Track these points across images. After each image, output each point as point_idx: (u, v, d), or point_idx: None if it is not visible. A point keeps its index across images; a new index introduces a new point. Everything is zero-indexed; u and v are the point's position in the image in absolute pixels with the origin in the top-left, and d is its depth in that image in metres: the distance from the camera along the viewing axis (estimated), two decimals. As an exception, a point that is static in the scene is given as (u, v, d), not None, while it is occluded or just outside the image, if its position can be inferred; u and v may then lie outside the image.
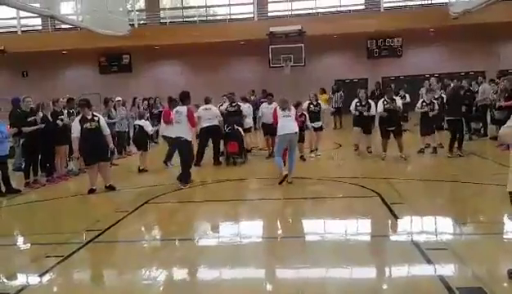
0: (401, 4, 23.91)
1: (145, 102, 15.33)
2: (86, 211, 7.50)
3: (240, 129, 10.98)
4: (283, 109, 8.29)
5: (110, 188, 8.49)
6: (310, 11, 24.10)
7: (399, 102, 10.63)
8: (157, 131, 13.25)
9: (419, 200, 7.14)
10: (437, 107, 10.83)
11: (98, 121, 8.41)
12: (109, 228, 6.17)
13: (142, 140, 10.57)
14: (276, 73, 21.41)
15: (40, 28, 24.95)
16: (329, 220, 6.42)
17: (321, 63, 23.55)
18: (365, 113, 10.98)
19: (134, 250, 5.54)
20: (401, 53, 23.89)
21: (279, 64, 21.46)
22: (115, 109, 12.55)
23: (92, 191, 8.32)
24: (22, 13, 22.35)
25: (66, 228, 6.44)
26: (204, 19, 25.27)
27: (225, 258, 4.98)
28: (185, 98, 8.74)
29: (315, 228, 6.16)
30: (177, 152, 9.25)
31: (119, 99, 13.27)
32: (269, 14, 24.10)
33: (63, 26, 23.24)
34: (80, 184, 9.38)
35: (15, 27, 24.30)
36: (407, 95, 15.03)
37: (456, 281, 4.05)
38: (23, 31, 24.42)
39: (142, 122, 10.60)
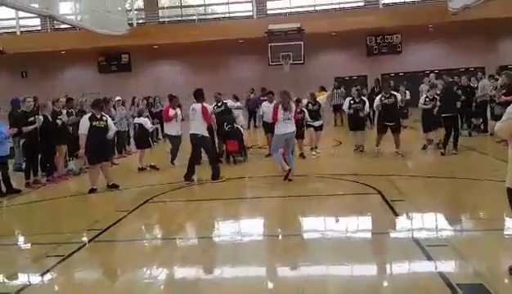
0: (399, 0, 23.86)
1: (145, 101, 15.30)
2: (86, 211, 7.50)
3: (240, 127, 10.98)
4: (285, 109, 8.19)
5: (113, 186, 8.50)
6: (309, 9, 24.08)
7: (399, 97, 10.61)
8: (157, 129, 13.27)
9: (420, 197, 7.13)
10: (438, 103, 10.81)
11: (106, 120, 8.52)
12: (109, 227, 6.17)
13: (143, 138, 10.54)
14: (276, 72, 21.40)
15: (39, 28, 24.94)
16: (329, 218, 6.43)
17: (320, 60, 23.54)
18: (360, 114, 10.98)
19: (135, 249, 5.54)
20: (400, 50, 23.89)
21: (278, 63, 21.45)
22: (115, 109, 12.55)
23: (92, 190, 8.33)
24: (21, 13, 22.34)
25: (67, 227, 6.43)
26: (203, 17, 25.25)
27: (225, 256, 4.99)
28: (199, 95, 8.83)
29: (315, 225, 6.15)
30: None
31: (119, 98, 13.27)
32: (268, 12, 24.10)
33: (62, 26, 23.24)
34: (80, 184, 9.39)
35: (14, 27, 24.32)
36: (407, 92, 15.00)
37: (457, 277, 4.04)
38: (22, 31, 24.43)
39: (141, 120, 10.57)
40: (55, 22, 22.48)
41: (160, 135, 15.99)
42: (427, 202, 6.85)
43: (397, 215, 6.06)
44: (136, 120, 10.80)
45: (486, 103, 12.55)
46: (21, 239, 6.46)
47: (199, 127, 8.62)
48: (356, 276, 4.42)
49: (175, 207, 7.55)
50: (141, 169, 10.25)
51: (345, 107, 11.47)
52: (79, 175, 10.29)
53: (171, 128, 10.53)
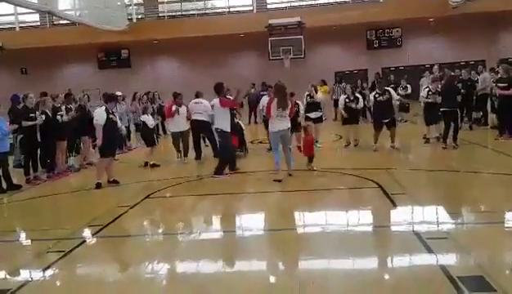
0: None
1: (145, 97, 15.29)
2: (87, 207, 7.50)
3: (241, 123, 10.96)
4: (279, 107, 7.89)
5: (114, 182, 8.50)
6: (309, 3, 23.99)
7: (394, 93, 10.56)
8: (157, 125, 13.27)
9: (420, 190, 7.13)
10: (439, 97, 10.78)
11: (115, 116, 8.69)
12: (110, 223, 6.18)
13: (148, 136, 10.50)
14: (276, 66, 21.35)
15: (38, 24, 24.88)
16: (330, 212, 6.42)
17: (320, 55, 23.49)
18: (353, 106, 10.93)
19: (136, 244, 5.56)
20: (400, 43, 23.82)
21: (278, 57, 21.39)
22: (115, 105, 12.52)
23: (99, 185, 8.29)
24: (20, 9, 22.29)
25: (67, 223, 6.44)
26: (203, 12, 25.18)
27: (227, 251, 5.00)
28: (219, 90, 8.91)
29: (316, 219, 6.15)
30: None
31: (119, 94, 13.24)
32: (268, 6, 24.01)
33: (61, 22, 23.19)
34: (81, 180, 9.40)
35: (13, 23, 24.25)
36: (409, 86, 14.96)
37: (457, 270, 4.04)
38: (21, 27, 24.37)
39: (144, 118, 10.58)
40: (54, 18, 22.42)
41: (161, 131, 16.00)
42: (427, 195, 6.85)
43: (397, 208, 6.06)
44: (142, 117, 10.85)
45: (486, 96, 12.52)
46: (22, 235, 6.46)
47: (221, 122, 8.73)
48: (357, 269, 4.42)
49: (176, 202, 7.55)
50: (152, 165, 10.14)
51: (340, 107, 11.42)
52: (79, 172, 10.29)
53: (172, 124, 10.66)
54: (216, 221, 6.45)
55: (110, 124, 8.22)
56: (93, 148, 10.20)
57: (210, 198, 7.57)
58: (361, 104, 11.07)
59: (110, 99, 8.65)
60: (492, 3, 18.91)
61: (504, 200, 6.37)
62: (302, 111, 10.48)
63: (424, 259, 4.43)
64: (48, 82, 22.03)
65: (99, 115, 8.26)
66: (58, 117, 9.59)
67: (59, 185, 9.04)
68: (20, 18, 24.29)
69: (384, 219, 5.90)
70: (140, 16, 24.94)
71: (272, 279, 4.36)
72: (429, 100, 10.77)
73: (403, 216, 5.83)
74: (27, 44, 21.98)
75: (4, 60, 23.25)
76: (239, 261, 4.76)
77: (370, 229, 5.72)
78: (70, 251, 5.16)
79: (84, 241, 5.66)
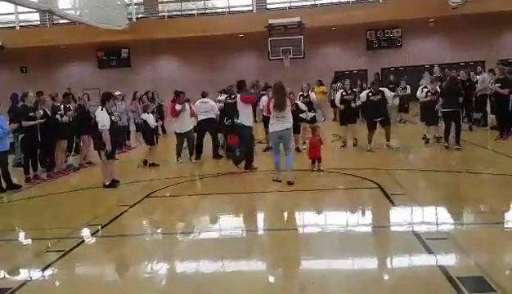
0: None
1: (145, 96, 15.28)
2: (87, 206, 7.51)
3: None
4: (277, 109, 7.67)
5: (114, 181, 8.45)
6: (309, 3, 23.99)
7: (388, 93, 10.56)
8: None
9: (420, 190, 7.14)
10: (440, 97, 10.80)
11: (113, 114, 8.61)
12: (110, 222, 6.18)
13: (148, 135, 10.42)
14: (276, 66, 21.34)
15: (38, 23, 24.87)
16: (329, 212, 6.43)
17: (320, 55, 23.48)
18: (352, 104, 10.93)
19: (135, 244, 5.56)
20: (400, 44, 23.81)
21: (278, 57, 21.38)
22: (115, 104, 12.52)
23: (114, 184, 8.29)
24: (20, 8, 22.27)
25: (67, 222, 6.44)
26: (203, 12, 25.17)
27: (226, 251, 4.99)
28: (241, 86, 9.04)
29: (316, 219, 6.16)
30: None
31: (119, 93, 13.26)
32: (268, 6, 24.00)
33: (61, 21, 23.16)
34: (81, 179, 9.41)
35: (13, 22, 24.22)
36: (408, 87, 14.98)
37: (457, 270, 4.05)
38: (21, 26, 24.34)
39: (145, 116, 10.44)
40: (54, 17, 22.39)
41: (160, 131, 15.98)
42: (427, 195, 6.85)
43: (397, 208, 6.07)
44: (142, 116, 10.71)
45: (486, 97, 12.54)
46: (22, 234, 6.46)
47: (242, 117, 8.80)
48: (357, 269, 4.43)
49: (176, 201, 7.56)
50: (151, 165, 10.13)
51: (337, 101, 11.43)
52: (79, 171, 10.29)
53: (175, 124, 10.53)
54: (215, 221, 6.44)
55: (112, 126, 8.21)
56: (98, 151, 10.00)
57: (210, 197, 7.58)
58: (361, 97, 10.98)
59: (107, 98, 8.57)
60: (492, 4, 18.91)
61: (503, 201, 6.38)
62: (302, 107, 10.41)
63: (423, 259, 4.44)
64: (48, 82, 22.00)
65: (104, 119, 8.09)
66: (57, 116, 9.59)
67: (59, 184, 9.04)
68: (21, 17, 24.25)
69: (384, 219, 5.91)
70: (140, 16, 24.92)
71: (272, 279, 4.36)
72: (426, 99, 10.81)
73: (403, 217, 5.84)
74: (27, 43, 21.97)
75: (4, 59, 23.25)
76: (238, 261, 4.76)
77: (369, 229, 5.73)
78: (70, 250, 5.17)
79: (84, 240, 5.66)
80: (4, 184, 8.63)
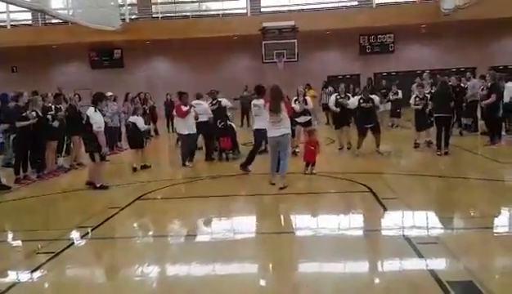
0: (393, 0, 23.92)
1: (137, 98, 15.22)
2: (77, 208, 7.45)
3: (234, 125, 10.97)
4: (272, 112, 7.55)
5: (89, 184, 8.35)
6: (303, 7, 24.09)
7: (377, 100, 10.62)
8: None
9: (411, 195, 7.17)
10: (430, 102, 10.90)
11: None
12: (100, 224, 6.14)
13: (136, 138, 10.14)
14: (270, 69, 21.37)
15: (30, 22, 24.70)
16: (321, 215, 6.45)
17: (314, 59, 23.58)
18: (344, 102, 10.98)
19: (126, 246, 5.52)
20: (393, 49, 23.98)
21: (272, 60, 21.43)
22: (106, 105, 12.45)
23: (105, 187, 8.21)
24: (12, 7, 22.10)
25: (57, 224, 6.39)
26: (197, 14, 25.16)
27: (218, 254, 4.98)
28: (261, 91, 8.68)
29: (308, 223, 6.17)
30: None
31: (111, 94, 13.19)
32: (262, 9, 24.05)
33: (53, 21, 23.02)
34: (71, 180, 9.33)
35: (4, 21, 24.01)
36: (400, 92, 15.09)
37: (447, 275, 4.08)
38: (12, 25, 24.14)
39: (134, 119, 10.17)
40: (46, 16, 22.26)
41: (153, 132, 15.94)
42: (418, 200, 6.89)
43: (388, 212, 6.10)
44: (131, 118, 10.39)
45: (476, 102, 12.67)
46: (11, 236, 6.39)
47: (264, 123, 8.14)
48: (348, 273, 4.44)
49: (167, 204, 7.53)
50: (135, 170, 9.90)
51: (331, 104, 11.52)
52: (70, 172, 10.21)
53: (182, 127, 10.12)
54: (207, 224, 6.42)
55: (105, 127, 8.16)
56: (90, 153, 9.85)
57: (202, 200, 7.57)
58: (352, 100, 11.03)
59: (100, 98, 8.47)
60: (484, 11, 19.10)
61: (493, 206, 6.44)
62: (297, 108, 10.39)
63: (414, 263, 4.47)
64: (39, 82, 21.80)
65: (98, 121, 8.05)
66: (48, 116, 9.51)
67: (49, 186, 8.97)
68: (12, 16, 24.08)
69: (375, 223, 5.94)
70: (133, 17, 24.86)
71: (265, 283, 4.36)
72: (417, 107, 10.95)
73: (394, 221, 5.86)
74: (18, 42, 21.77)
75: (-5, 58, 23.07)
76: (231, 264, 4.75)
77: (361, 233, 5.76)
78: (60, 252, 5.12)
79: (74, 242, 5.62)
80: (-6, 185, 8.54)
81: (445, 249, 4.72)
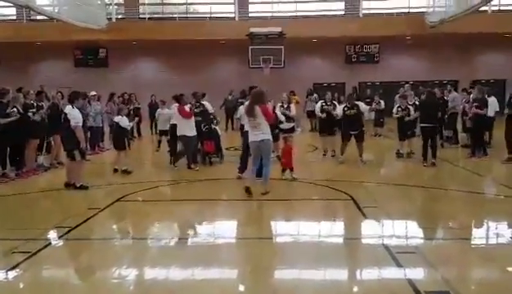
0: (379, 11, 24.25)
1: (120, 98, 15.10)
2: (56, 208, 7.34)
3: (218, 129, 10.92)
4: (249, 115, 7.40)
5: (68, 185, 8.21)
6: (291, 14, 24.24)
7: (363, 107, 10.70)
8: (132, 128, 12.99)
9: (392, 204, 7.23)
10: (412, 112, 11.03)
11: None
12: (79, 225, 6.04)
13: (120, 139, 9.88)
14: (256, 74, 21.41)
15: (14, 18, 24.30)
16: (301, 222, 6.45)
17: (300, 65, 23.73)
18: (332, 112, 11.08)
19: (104, 248, 5.45)
20: (378, 59, 24.27)
21: (259, 65, 21.48)
22: (90, 104, 12.33)
23: (85, 187, 8.10)
24: (-4, 2, 21.70)
25: (35, 223, 6.27)
26: (185, 16, 25.10)
27: (197, 258, 4.94)
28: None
29: (287, 230, 6.18)
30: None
31: (94, 93, 13.05)
32: (250, 14, 24.12)
33: (38, 17, 22.69)
34: (51, 180, 9.18)
35: (-13, 16, 23.62)
36: (382, 102, 15.29)
37: (425, 285, 4.12)
38: (-4, 20, 23.75)
39: (118, 119, 9.92)
40: (31, 12, 21.92)
41: (136, 134, 15.83)
42: (398, 209, 6.95)
43: (368, 221, 6.14)
44: (115, 118, 10.10)
45: (456, 115, 12.89)
46: (-14, 234, 6.25)
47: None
48: (326, 281, 4.45)
49: (147, 206, 7.45)
50: (116, 171, 9.75)
51: (317, 110, 11.63)
52: (49, 171, 10.05)
53: (186, 128, 9.75)
54: (187, 228, 6.36)
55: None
56: (69, 151, 9.64)
57: (183, 203, 7.52)
58: (338, 110, 11.11)
59: (76, 97, 8.35)
60: (468, 25, 19.48)
61: (471, 217, 6.55)
62: (281, 118, 10.40)
63: (392, 272, 4.50)
64: (22, 78, 21.46)
65: (77, 116, 8.00)
66: (30, 114, 9.36)
67: (28, 184, 8.80)
68: (-4, 11, 23.69)
69: (355, 231, 5.98)
70: (120, 16, 24.66)
71: (244, 288, 4.34)
72: (397, 116, 11.09)
73: (374, 229, 5.90)
74: (1, 38, 21.40)
75: (-23, 53, 22.60)
76: (210, 269, 4.71)
77: (340, 240, 5.79)
78: (37, 252, 5.03)
79: (51, 243, 5.53)
80: (-30, 182, 8.36)
81: (423, 259, 4.77)
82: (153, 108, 16.44)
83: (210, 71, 23.83)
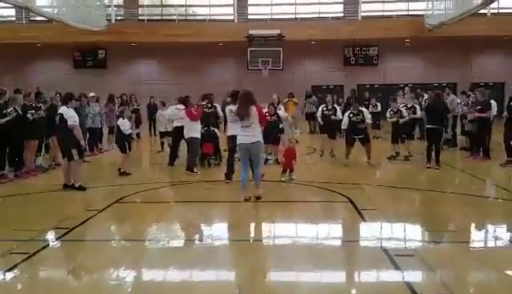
0: (378, 14, 24.29)
1: (119, 99, 15.08)
2: (54, 209, 7.31)
3: (217, 131, 10.92)
4: (238, 116, 7.23)
5: (66, 187, 8.22)
6: (289, 16, 24.27)
7: (367, 114, 10.74)
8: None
9: (390, 206, 7.24)
10: (405, 114, 11.04)
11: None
12: (77, 226, 6.04)
13: (121, 142, 9.83)
14: (255, 76, 21.45)
15: (14, 19, 24.29)
16: (299, 225, 6.44)
17: (298, 68, 23.77)
18: (332, 117, 11.27)
19: (102, 249, 5.44)
20: (377, 62, 24.30)
21: (257, 67, 21.51)
22: (88, 105, 12.33)
23: (83, 188, 8.11)
24: (-5, 3, 21.69)
25: (34, 225, 6.25)
26: (184, 18, 25.11)
27: (194, 260, 4.94)
28: (236, 96, 7.79)
29: (285, 232, 6.17)
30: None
31: (93, 94, 13.04)
32: (249, 17, 24.15)
33: (37, 18, 22.68)
34: (49, 181, 9.16)
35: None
36: (379, 104, 15.32)
37: (423, 287, 4.12)
38: (-5, 21, 23.73)
39: (120, 122, 9.83)
40: (30, 14, 21.92)
41: (134, 136, 15.79)
42: (397, 212, 6.95)
43: (366, 223, 6.14)
44: (118, 122, 9.97)
45: (455, 118, 12.90)
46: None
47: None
48: (324, 283, 4.45)
49: (145, 208, 7.45)
50: (123, 173, 9.53)
51: (318, 115, 11.83)
52: (48, 172, 10.03)
53: (194, 130, 9.73)
54: (184, 230, 6.36)
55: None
56: (67, 151, 9.55)
57: (181, 205, 7.52)
58: (339, 115, 11.26)
59: (70, 98, 8.35)
60: (467, 28, 19.54)
61: (470, 220, 6.55)
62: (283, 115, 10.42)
63: (391, 275, 4.50)
64: (21, 80, 21.48)
65: (73, 115, 8.05)
66: (28, 115, 9.35)
67: (26, 185, 8.78)
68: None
69: (353, 233, 5.97)
70: (119, 18, 24.66)
71: (241, 291, 4.34)
72: (391, 120, 11.10)
73: (372, 232, 5.90)
74: (0, 39, 21.38)
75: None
76: (207, 271, 4.71)
77: (338, 243, 5.79)
78: (35, 253, 5.02)
79: (50, 244, 5.52)
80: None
81: (422, 262, 4.77)
82: (152, 109, 16.46)
83: (209, 73, 23.83)
